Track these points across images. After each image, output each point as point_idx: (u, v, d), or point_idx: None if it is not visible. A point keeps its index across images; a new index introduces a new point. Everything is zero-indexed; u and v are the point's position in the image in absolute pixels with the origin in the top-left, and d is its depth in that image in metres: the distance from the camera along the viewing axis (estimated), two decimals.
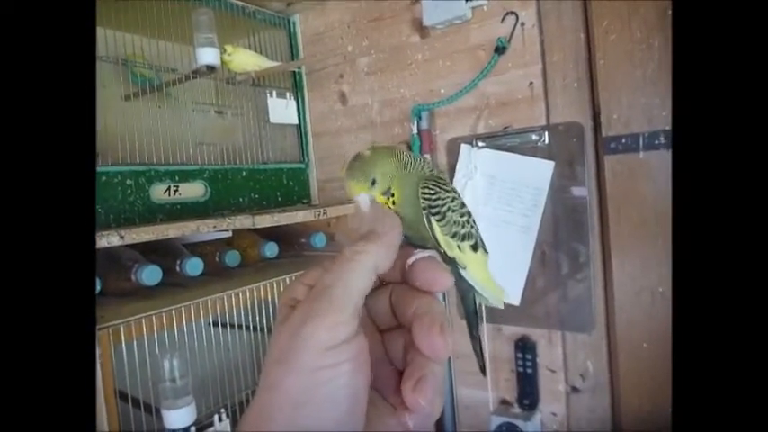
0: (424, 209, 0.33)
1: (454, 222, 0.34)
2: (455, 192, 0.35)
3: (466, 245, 0.35)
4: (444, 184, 0.34)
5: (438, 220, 0.33)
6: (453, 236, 0.34)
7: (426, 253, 0.31)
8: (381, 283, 0.32)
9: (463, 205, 0.35)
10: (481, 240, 0.36)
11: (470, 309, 0.37)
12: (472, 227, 0.35)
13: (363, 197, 0.33)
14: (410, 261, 0.31)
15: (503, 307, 0.39)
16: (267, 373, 0.26)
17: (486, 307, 1.02)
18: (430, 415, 0.28)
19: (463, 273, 0.35)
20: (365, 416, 0.26)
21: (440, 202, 0.33)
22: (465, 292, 0.37)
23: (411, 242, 0.33)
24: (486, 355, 1.06)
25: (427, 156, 1.07)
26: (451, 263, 0.34)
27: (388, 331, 0.31)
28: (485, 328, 1.05)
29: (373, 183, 0.32)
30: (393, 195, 0.33)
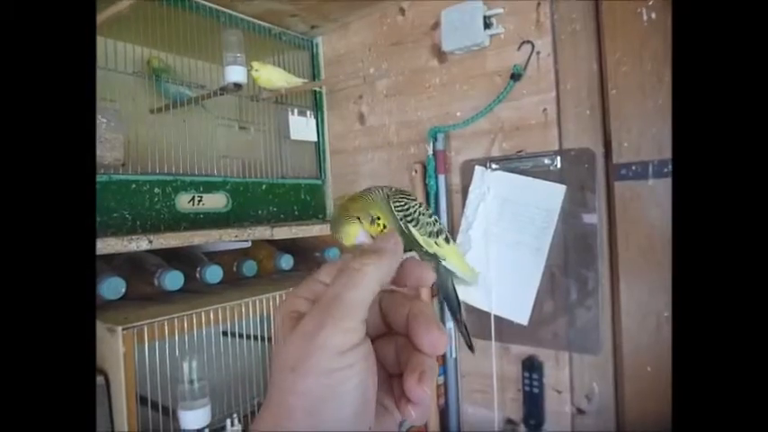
0: (401, 219, 0.39)
1: (426, 224, 0.40)
2: (417, 198, 0.41)
3: (441, 239, 0.41)
4: (409, 195, 0.41)
5: (414, 225, 0.39)
6: (429, 235, 0.40)
7: (407, 255, 0.35)
8: None
9: (428, 208, 0.42)
10: (449, 233, 0.43)
11: (452, 295, 0.44)
12: (440, 224, 0.42)
13: (361, 235, 0.38)
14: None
15: (477, 284, 0.45)
16: (281, 379, 0.27)
17: (494, 326, 1.04)
18: (428, 406, 0.31)
19: (444, 263, 0.41)
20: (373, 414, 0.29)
21: (411, 210, 0.40)
22: (444, 281, 0.43)
23: None
24: (494, 372, 1.07)
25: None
26: (433, 258, 0.40)
27: (379, 338, 0.34)
28: (492, 347, 1.06)
29: (359, 220, 0.38)
30: (379, 218, 0.38)
